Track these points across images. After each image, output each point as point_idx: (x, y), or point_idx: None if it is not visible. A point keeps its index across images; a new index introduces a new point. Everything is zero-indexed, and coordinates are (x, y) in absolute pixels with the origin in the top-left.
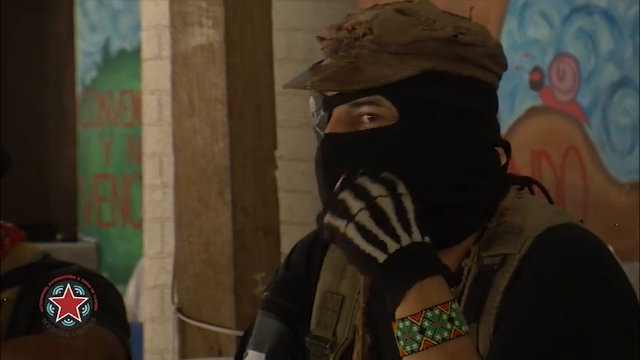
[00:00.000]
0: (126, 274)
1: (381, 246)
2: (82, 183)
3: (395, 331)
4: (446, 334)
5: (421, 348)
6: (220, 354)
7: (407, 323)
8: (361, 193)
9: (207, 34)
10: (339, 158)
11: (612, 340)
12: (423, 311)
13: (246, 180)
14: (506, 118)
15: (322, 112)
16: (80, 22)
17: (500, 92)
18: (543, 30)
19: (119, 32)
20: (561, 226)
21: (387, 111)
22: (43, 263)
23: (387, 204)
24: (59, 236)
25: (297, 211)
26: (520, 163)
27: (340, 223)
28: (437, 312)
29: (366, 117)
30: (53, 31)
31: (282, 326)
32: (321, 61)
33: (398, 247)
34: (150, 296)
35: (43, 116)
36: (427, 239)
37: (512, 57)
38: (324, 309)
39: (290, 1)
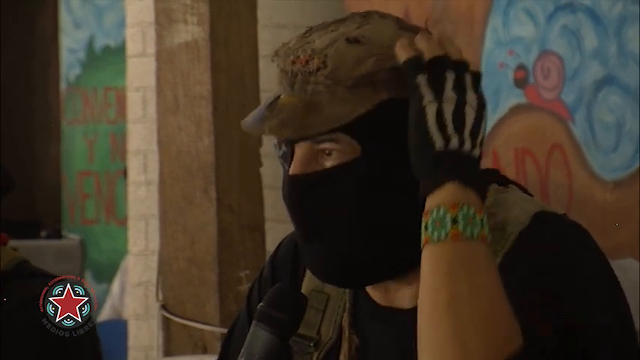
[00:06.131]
0: (110, 271)
1: (446, 137)
2: (66, 180)
3: (426, 220)
4: (476, 231)
5: (449, 236)
6: (205, 351)
7: (441, 212)
8: (459, 88)
9: (192, 31)
10: (305, 200)
11: (607, 305)
12: (461, 204)
13: (231, 177)
14: (490, 116)
15: (284, 148)
16: (64, 18)
17: (484, 90)
18: (528, 28)
19: (103, 29)
20: (545, 215)
21: (347, 147)
22: (10, 274)
23: (470, 113)
24: (43, 233)
25: (282, 209)
26: (504, 161)
27: (428, 95)
28: (472, 211)
29: (326, 153)
30: (37, 28)
31: (275, 339)
32: (277, 97)
33: (456, 147)
34: (134, 293)
35: (27, 113)
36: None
37: (496, 54)
38: (309, 307)
39: None
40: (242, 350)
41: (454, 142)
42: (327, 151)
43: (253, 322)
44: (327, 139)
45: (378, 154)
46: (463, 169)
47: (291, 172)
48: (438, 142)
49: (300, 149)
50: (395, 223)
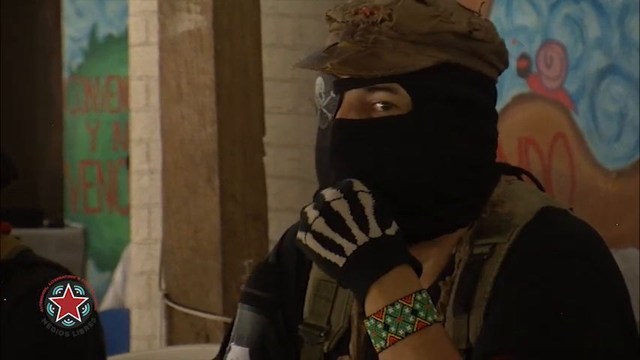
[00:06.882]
0: (113, 260)
1: (339, 250)
2: (69, 169)
3: (365, 329)
4: (409, 328)
5: (387, 344)
6: (208, 340)
7: (372, 322)
8: (318, 201)
9: (195, 19)
10: (351, 144)
11: (604, 323)
12: (385, 308)
13: (235, 166)
14: None
15: (332, 95)
16: (67, 7)
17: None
18: (531, 17)
19: (106, 18)
20: (551, 210)
21: (401, 99)
22: (13, 262)
23: (341, 206)
24: (46, 222)
25: (285, 198)
26: (507, 151)
27: (301, 236)
28: (398, 307)
29: (379, 104)
30: (40, 17)
31: (261, 317)
32: (336, 44)
33: (355, 248)
34: (137, 282)
35: (30, 102)
36: (390, 231)
37: None
38: (317, 297)
39: None
40: (232, 333)
41: (347, 248)
42: (378, 105)
43: (238, 304)
44: (383, 88)
45: (429, 114)
46: (370, 267)
47: (338, 116)
48: (336, 260)
49: (351, 96)
50: (431, 188)
